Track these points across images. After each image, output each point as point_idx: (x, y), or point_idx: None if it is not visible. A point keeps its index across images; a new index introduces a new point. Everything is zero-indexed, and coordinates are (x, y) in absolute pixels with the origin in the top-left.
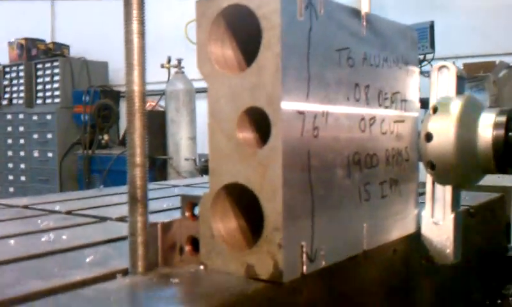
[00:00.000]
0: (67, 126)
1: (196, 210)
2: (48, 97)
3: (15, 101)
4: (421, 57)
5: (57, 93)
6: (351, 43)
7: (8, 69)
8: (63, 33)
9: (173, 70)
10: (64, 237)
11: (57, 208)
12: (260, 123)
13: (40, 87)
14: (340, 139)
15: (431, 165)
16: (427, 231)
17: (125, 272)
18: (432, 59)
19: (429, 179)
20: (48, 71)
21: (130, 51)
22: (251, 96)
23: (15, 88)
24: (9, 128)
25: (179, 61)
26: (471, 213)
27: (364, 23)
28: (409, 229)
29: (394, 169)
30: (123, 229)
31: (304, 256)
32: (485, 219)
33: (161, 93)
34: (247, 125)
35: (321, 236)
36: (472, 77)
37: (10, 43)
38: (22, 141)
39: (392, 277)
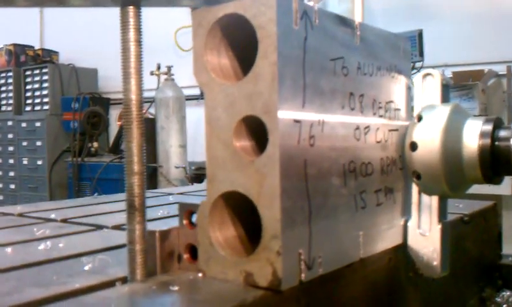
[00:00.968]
0: (56, 134)
1: (194, 218)
2: (37, 104)
3: (3, 108)
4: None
5: (46, 99)
6: (345, 52)
7: None
8: (52, 39)
9: (162, 77)
10: (61, 245)
11: (52, 216)
12: (256, 131)
13: (28, 94)
14: (336, 148)
15: (416, 175)
16: (414, 242)
17: (123, 280)
18: (421, 67)
19: (414, 189)
20: (37, 78)
21: (127, 59)
22: (247, 104)
23: (3, 95)
24: None
25: (169, 68)
26: (465, 221)
27: (358, 32)
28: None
29: (389, 178)
30: (119, 237)
31: (303, 263)
32: (479, 226)
33: (151, 101)
34: (244, 133)
35: (318, 244)
36: (460, 85)
37: None
38: (11, 149)
39: (387, 284)
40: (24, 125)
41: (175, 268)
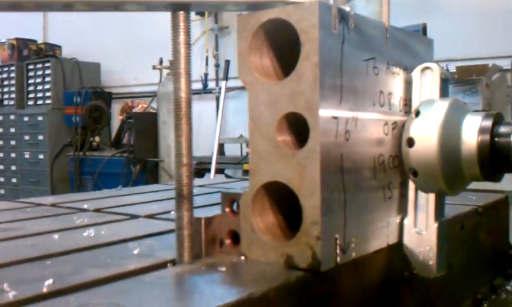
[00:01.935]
0: (58, 128)
1: (235, 206)
2: (40, 98)
3: (6, 102)
4: None
5: (48, 94)
6: (376, 53)
7: None
8: (55, 34)
9: (165, 72)
10: (103, 232)
11: (85, 206)
12: (296, 126)
13: (31, 88)
14: (367, 142)
15: (413, 172)
16: (409, 241)
17: (173, 262)
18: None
19: (411, 186)
20: (39, 72)
21: (178, 60)
22: (290, 102)
23: (6, 89)
24: (0, 130)
25: (171, 62)
26: (479, 212)
27: (387, 34)
28: None
29: None
30: (155, 225)
31: (338, 247)
32: (491, 217)
33: (153, 95)
34: (285, 129)
35: (352, 230)
36: (464, 80)
37: (1, 44)
38: (13, 143)
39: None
40: (26, 119)
41: (218, 252)
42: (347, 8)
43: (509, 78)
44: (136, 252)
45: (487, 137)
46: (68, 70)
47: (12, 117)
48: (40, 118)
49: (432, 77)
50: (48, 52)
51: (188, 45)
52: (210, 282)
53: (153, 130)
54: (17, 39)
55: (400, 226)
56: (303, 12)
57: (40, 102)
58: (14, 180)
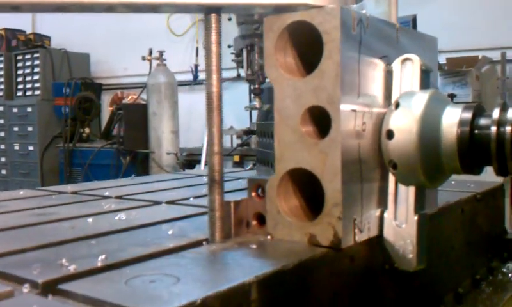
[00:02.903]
0: (48, 119)
1: (259, 191)
2: (29, 89)
3: None
4: None
5: (37, 85)
6: (388, 51)
7: None
8: (44, 24)
9: (154, 62)
10: (133, 216)
11: (106, 193)
12: (318, 118)
13: (20, 79)
14: (379, 133)
15: (393, 165)
16: (389, 234)
17: (206, 241)
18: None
19: (391, 179)
20: (28, 63)
21: (210, 58)
22: (313, 96)
23: None
24: None
25: (161, 53)
26: (477, 198)
27: (398, 34)
28: (431, 208)
29: None
30: (179, 210)
31: (356, 227)
32: (488, 203)
33: (143, 86)
34: (308, 121)
35: (367, 213)
36: (454, 72)
37: None
38: (2, 134)
39: None
40: (15, 110)
41: (244, 233)
42: (363, 11)
43: (499, 70)
44: (170, 232)
45: (466, 129)
46: (57, 61)
47: (1, 108)
48: (29, 109)
49: (412, 68)
50: (37, 42)
51: (219, 44)
52: (245, 256)
53: (143, 121)
54: (6, 29)
55: (381, 219)
56: (325, 15)
57: (29, 93)
58: (4, 172)
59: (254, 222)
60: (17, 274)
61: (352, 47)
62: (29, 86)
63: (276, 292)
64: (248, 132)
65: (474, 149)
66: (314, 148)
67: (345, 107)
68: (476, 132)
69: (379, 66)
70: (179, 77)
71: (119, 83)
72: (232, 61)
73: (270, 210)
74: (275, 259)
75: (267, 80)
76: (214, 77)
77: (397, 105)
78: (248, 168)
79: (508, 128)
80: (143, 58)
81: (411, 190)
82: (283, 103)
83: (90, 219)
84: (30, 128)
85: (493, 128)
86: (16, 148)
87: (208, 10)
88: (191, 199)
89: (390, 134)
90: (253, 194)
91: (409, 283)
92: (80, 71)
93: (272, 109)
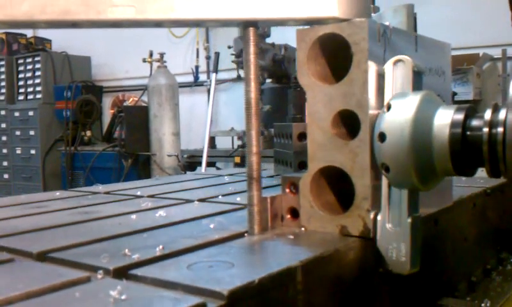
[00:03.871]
0: (49, 123)
1: (292, 188)
2: (30, 93)
3: None
4: None
5: (38, 88)
6: None
7: None
8: None
9: (155, 64)
10: (173, 213)
11: (138, 193)
12: (346, 121)
13: (21, 82)
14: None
15: (385, 168)
16: (383, 237)
17: (246, 234)
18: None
19: (384, 181)
20: (29, 67)
21: (248, 68)
22: (343, 101)
23: None
24: None
25: (161, 55)
26: (487, 193)
27: (416, 43)
28: (447, 202)
29: None
30: (212, 207)
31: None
32: (497, 198)
33: (143, 88)
34: (338, 123)
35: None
36: (455, 69)
37: None
38: (4, 138)
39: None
40: (16, 114)
41: (279, 226)
42: (387, 23)
43: (499, 68)
44: (212, 226)
45: (458, 130)
46: (58, 64)
47: (3, 112)
48: (30, 113)
49: (404, 69)
50: (38, 46)
51: (257, 55)
52: (286, 244)
53: (144, 123)
54: (6, 33)
55: (374, 222)
56: (354, 28)
57: (30, 97)
58: (6, 176)
59: (288, 216)
60: (89, 262)
61: (377, 56)
62: (30, 89)
63: (316, 275)
64: None
65: (466, 150)
66: (344, 147)
67: (372, 111)
68: (468, 133)
69: None
70: (180, 79)
71: (120, 85)
72: (232, 61)
73: (303, 205)
74: (313, 247)
75: (267, 80)
76: (253, 84)
77: (389, 107)
78: None
79: (500, 130)
80: (144, 60)
81: (404, 193)
82: (315, 108)
83: (133, 216)
84: (32, 132)
85: (485, 130)
86: (18, 151)
87: (246, 24)
88: (220, 197)
89: (382, 137)
90: (287, 190)
91: (428, 272)
92: (82, 74)
93: (272, 110)
